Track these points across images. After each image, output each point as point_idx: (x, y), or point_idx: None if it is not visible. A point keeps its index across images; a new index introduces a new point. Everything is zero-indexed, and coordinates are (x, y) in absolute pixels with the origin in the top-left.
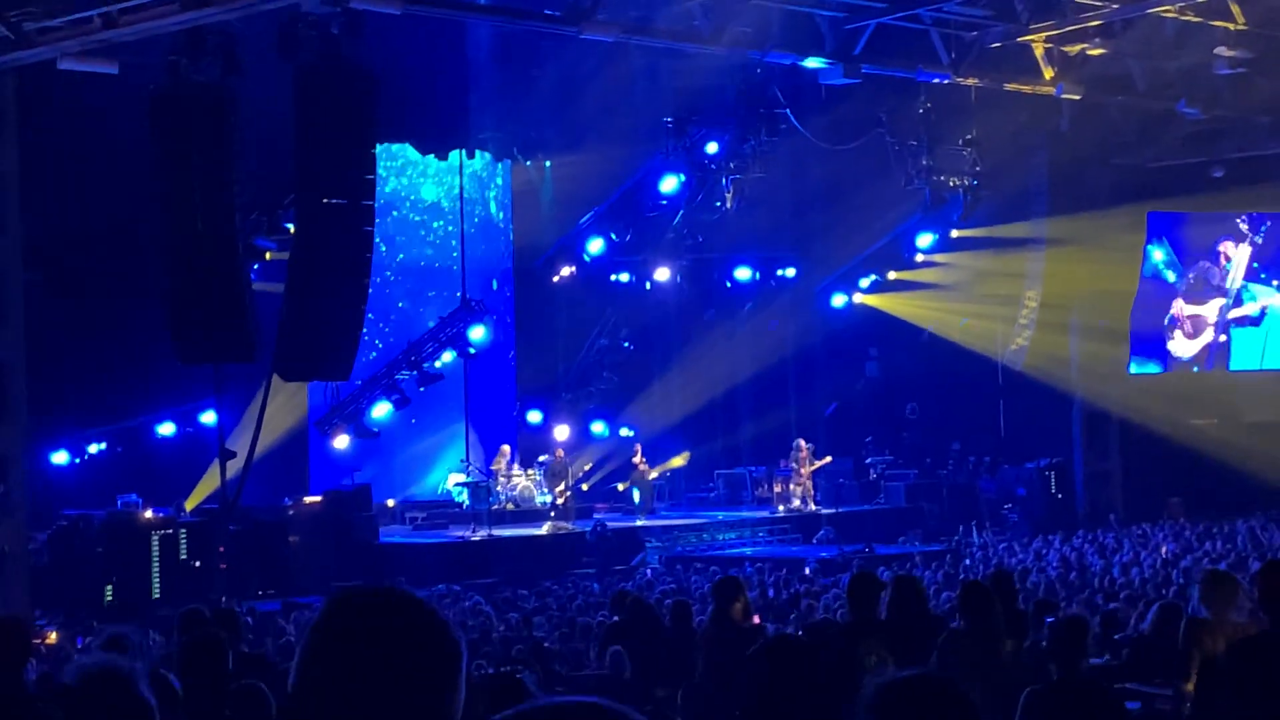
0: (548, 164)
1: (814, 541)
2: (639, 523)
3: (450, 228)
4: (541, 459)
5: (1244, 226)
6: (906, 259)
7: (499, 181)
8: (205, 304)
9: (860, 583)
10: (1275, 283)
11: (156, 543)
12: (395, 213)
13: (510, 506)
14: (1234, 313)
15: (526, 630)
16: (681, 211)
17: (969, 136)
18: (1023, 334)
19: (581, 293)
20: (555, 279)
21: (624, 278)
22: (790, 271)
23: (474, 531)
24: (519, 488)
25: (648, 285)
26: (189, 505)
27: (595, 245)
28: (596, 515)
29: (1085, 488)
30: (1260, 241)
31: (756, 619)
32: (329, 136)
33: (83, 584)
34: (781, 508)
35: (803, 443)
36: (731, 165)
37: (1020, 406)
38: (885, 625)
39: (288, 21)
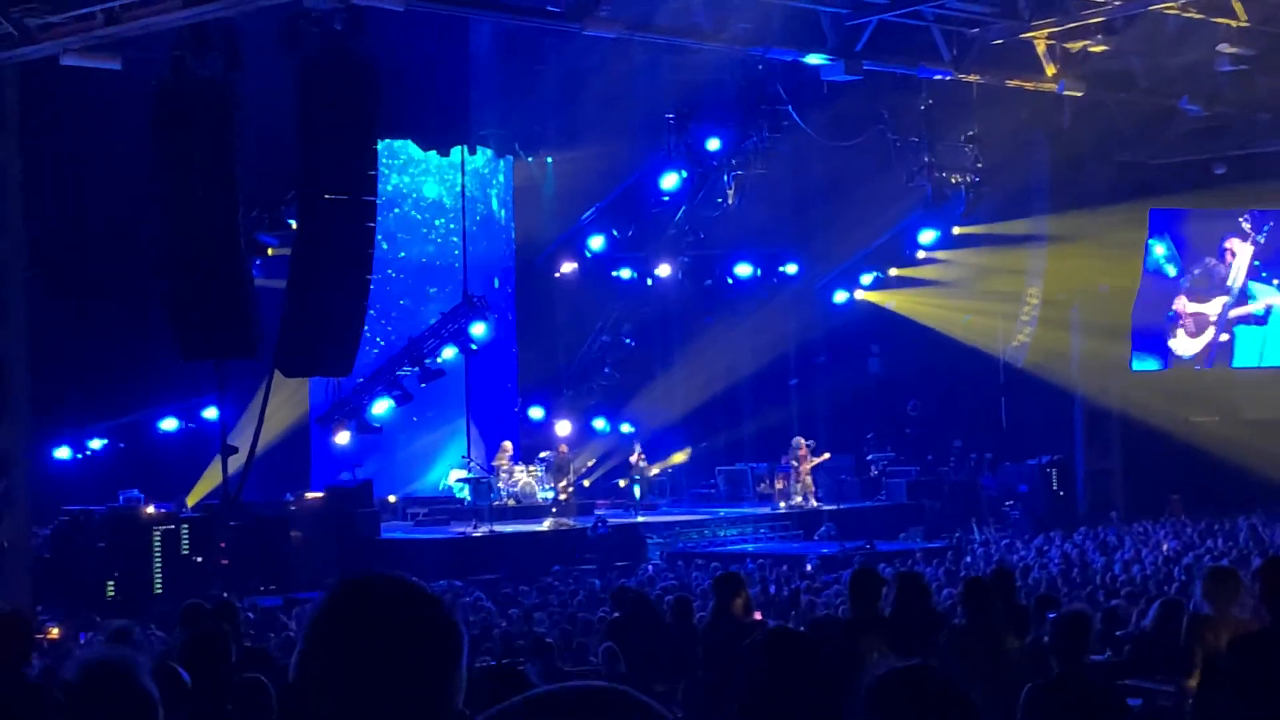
0: (549, 160)
1: (815, 538)
2: (639, 519)
3: (452, 225)
4: (543, 455)
5: (1246, 225)
6: (908, 255)
7: (500, 179)
8: (207, 300)
9: (861, 578)
10: (1276, 282)
11: (158, 538)
12: (397, 210)
13: (511, 502)
14: (1238, 311)
15: (528, 626)
16: (683, 208)
17: (970, 133)
18: (1024, 331)
19: (583, 289)
20: (557, 275)
21: (626, 274)
22: (792, 268)
23: (475, 527)
24: (520, 484)
25: (649, 281)
26: (191, 501)
27: (597, 242)
28: (598, 512)
29: (1087, 485)
30: (1262, 241)
31: (758, 615)
32: (331, 132)
33: (85, 579)
34: (783, 504)
35: (801, 440)
36: (733, 161)
37: (1022, 403)
38: (887, 621)
39: (290, 17)
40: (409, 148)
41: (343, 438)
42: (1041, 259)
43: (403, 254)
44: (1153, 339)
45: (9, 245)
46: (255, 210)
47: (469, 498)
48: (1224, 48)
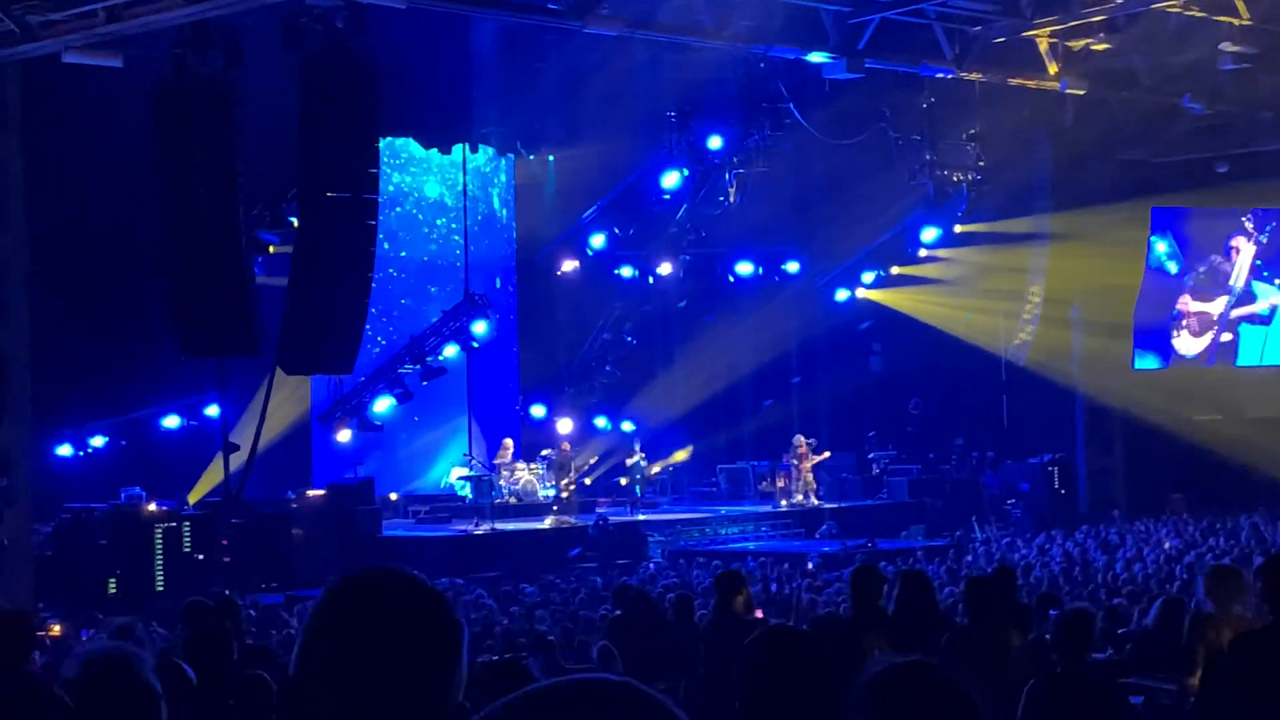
0: (551, 158)
1: (816, 536)
2: (640, 517)
3: (454, 225)
4: (545, 452)
5: (1249, 224)
6: (910, 254)
7: (502, 179)
8: (208, 297)
9: (862, 576)
10: (1278, 281)
11: (160, 535)
12: (398, 209)
13: (513, 500)
14: (1243, 310)
15: (529, 623)
16: (685, 206)
17: (972, 131)
18: (1026, 329)
19: (584, 287)
20: (558, 273)
21: (627, 272)
22: (794, 266)
23: (476, 525)
24: (521, 481)
25: (651, 280)
26: (192, 498)
27: (598, 240)
28: (599, 510)
29: (1088, 483)
30: (1265, 241)
31: (759, 613)
32: (332, 130)
33: (86, 576)
34: (784, 502)
35: (801, 438)
36: (735, 159)
37: (1023, 402)
38: (889, 619)
39: (291, 15)
40: (410, 146)
41: (344, 435)
42: (1043, 257)
43: (404, 253)
44: (1155, 337)
45: (11, 243)
46: (257, 208)
47: (470, 495)
48: (1226, 46)
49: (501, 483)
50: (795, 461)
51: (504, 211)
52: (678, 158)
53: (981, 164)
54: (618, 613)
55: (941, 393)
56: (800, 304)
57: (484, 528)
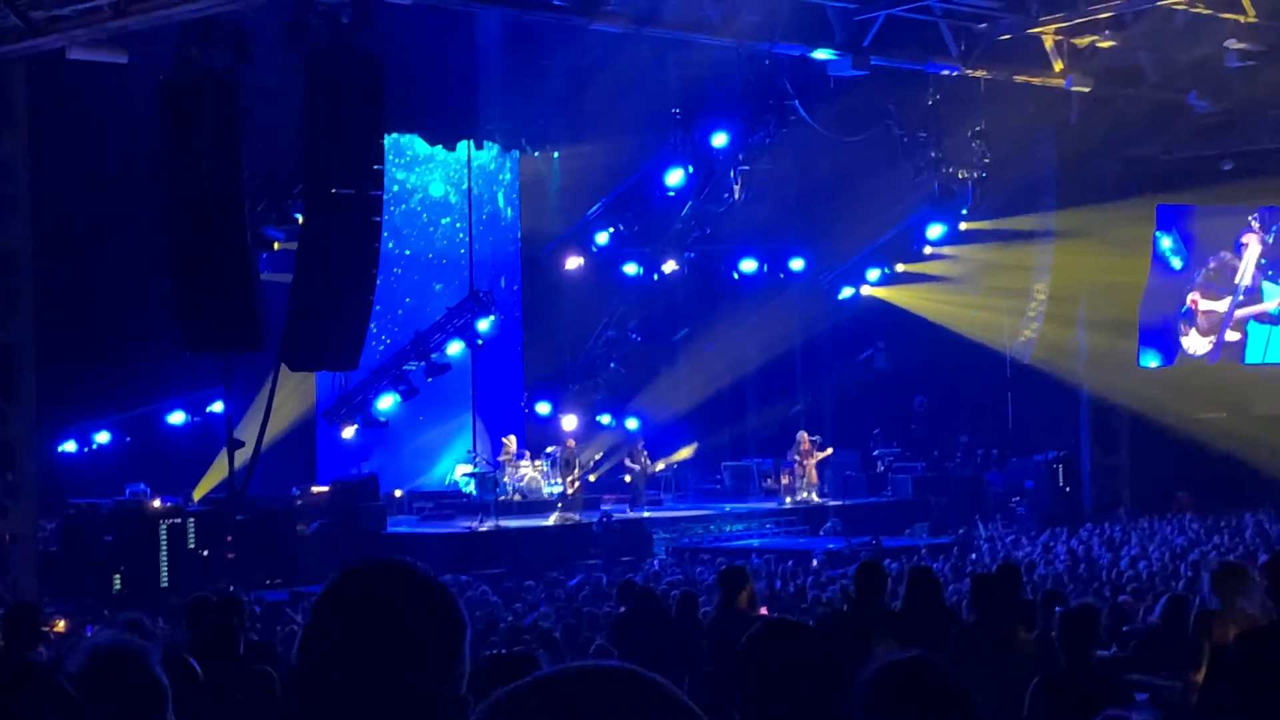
0: (556, 155)
1: (821, 533)
2: (645, 514)
3: (458, 225)
4: (549, 449)
5: (1255, 223)
6: (914, 251)
7: (507, 177)
8: (213, 293)
9: (866, 572)
10: None
11: (165, 532)
12: (403, 206)
13: (517, 497)
14: (1253, 309)
15: (533, 620)
16: (689, 203)
17: (977, 128)
18: (1031, 326)
19: (589, 284)
20: (563, 270)
21: (632, 269)
22: (798, 263)
23: (481, 522)
24: (526, 478)
25: (655, 277)
26: (197, 494)
27: (603, 237)
28: (603, 507)
29: (1093, 481)
30: (1270, 240)
31: (764, 610)
32: (337, 126)
33: (91, 572)
34: (788, 500)
35: (804, 434)
36: (740, 157)
37: (1028, 399)
38: (894, 615)
39: (297, 11)
40: (415, 144)
41: (349, 432)
42: (1048, 254)
43: (408, 251)
44: (1160, 335)
45: (17, 238)
46: (262, 204)
47: (475, 492)
48: (1232, 43)
49: (506, 479)
50: (798, 458)
51: (509, 210)
52: (682, 155)
53: (987, 161)
54: (622, 609)
55: (946, 390)
56: (805, 301)
57: (488, 524)
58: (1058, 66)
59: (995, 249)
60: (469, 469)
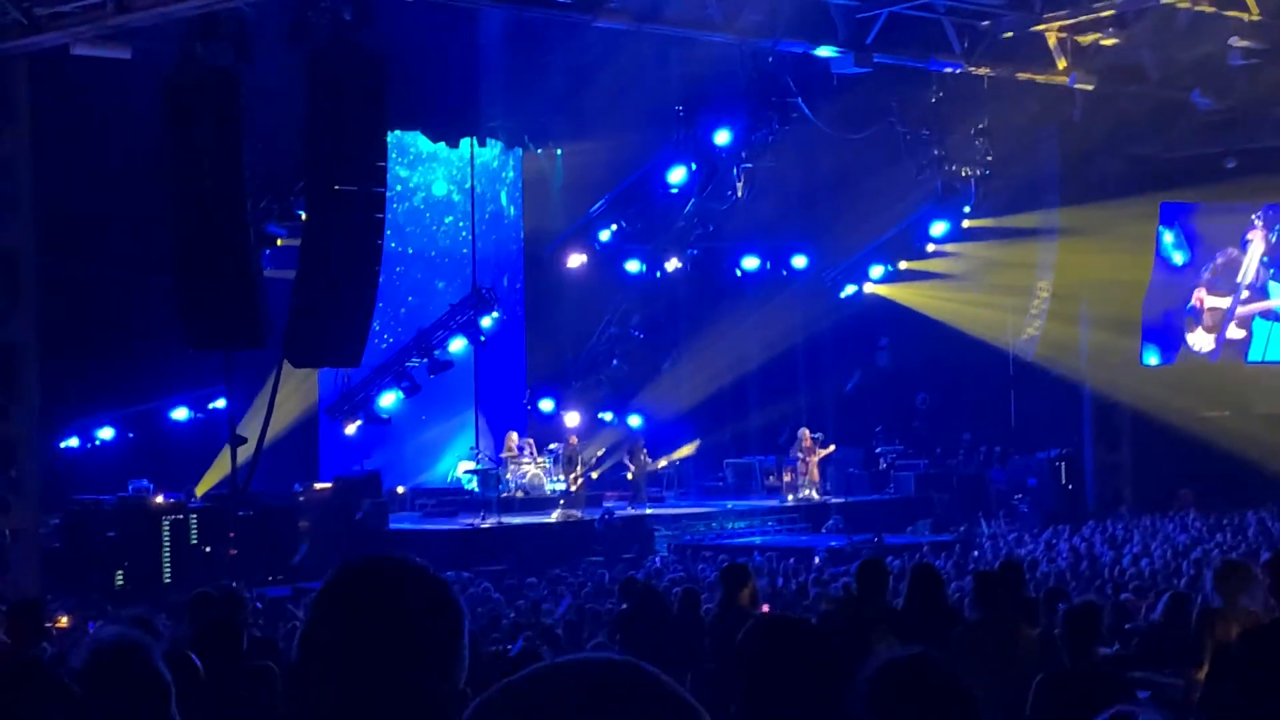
0: (559, 152)
1: (823, 531)
2: (647, 511)
3: (461, 224)
4: (552, 446)
5: (1259, 221)
6: (917, 249)
7: (510, 175)
8: (216, 290)
9: (868, 569)
10: None
11: (167, 528)
12: (406, 204)
13: (520, 494)
14: (1257, 305)
15: (535, 617)
16: (692, 200)
17: (980, 126)
18: (1033, 324)
19: (591, 281)
20: (565, 267)
21: (634, 266)
22: (801, 261)
23: (483, 519)
24: (528, 475)
25: (658, 274)
26: (200, 491)
27: (605, 234)
28: (606, 504)
29: (1096, 479)
30: (1274, 239)
31: (766, 608)
32: (340, 123)
33: (94, 568)
34: (791, 497)
35: (806, 432)
36: (742, 154)
37: (1031, 397)
38: (896, 613)
39: (299, 7)
40: (419, 143)
41: (351, 429)
42: (1051, 252)
43: (411, 250)
44: (1162, 332)
45: (19, 234)
46: (264, 201)
47: (477, 489)
48: (1235, 41)
49: (508, 476)
50: (800, 455)
51: (511, 209)
52: (685, 152)
53: (990, 159)
54: (624, 606)
55: (949, 387)
56: (807, 299)
57: (490, 521)
58: (1061, 64)
59: (998, 246)
60: (471, 466)
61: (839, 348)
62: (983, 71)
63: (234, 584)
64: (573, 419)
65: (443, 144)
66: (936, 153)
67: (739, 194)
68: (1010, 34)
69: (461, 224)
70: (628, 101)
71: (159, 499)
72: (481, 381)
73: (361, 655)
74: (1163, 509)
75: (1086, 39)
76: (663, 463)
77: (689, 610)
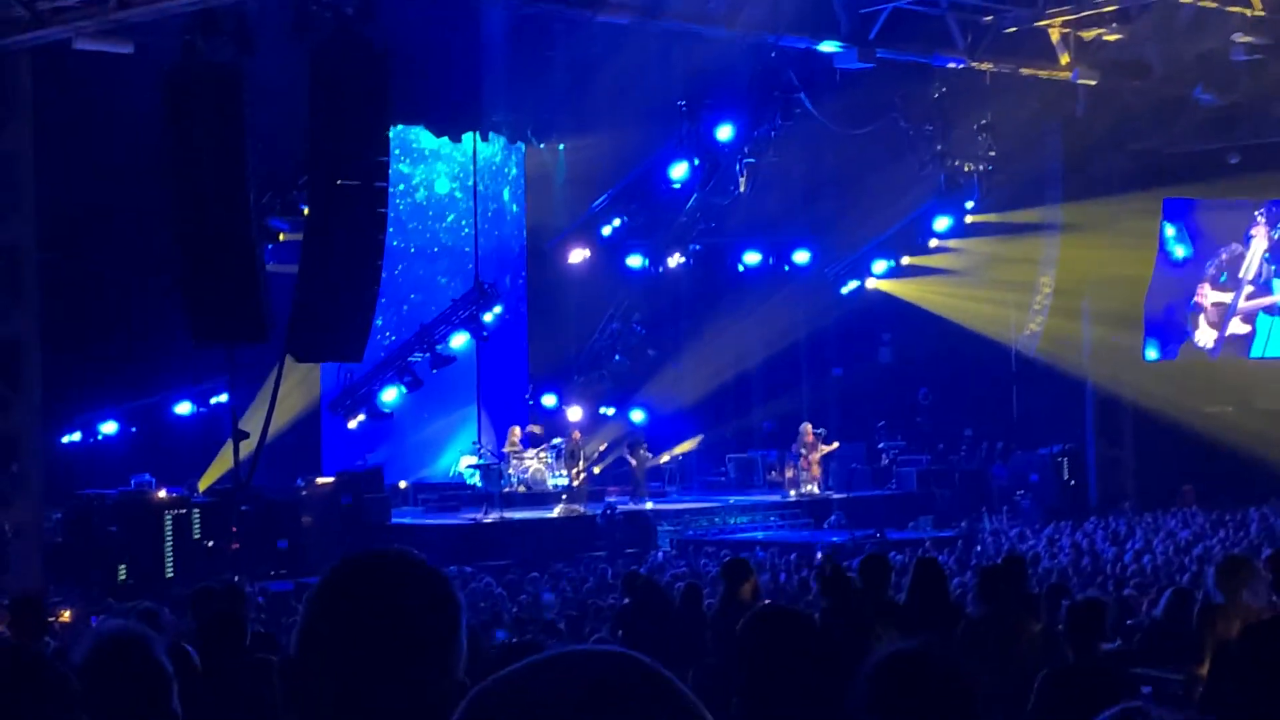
0: (561, 147)
1: (825, 526)
2: (649, 506)
3: (463, 222)
4: (555, 441)
5: (1261, 217)
6: (920, 244)
7: (512, 172)
8: (219, 285)
9: (871, 565)
10: None
11: (170, 522)
12: (409, 200)
13: (522, 489)
14: (1260, 301)
15: (537, 612)
16: (695, 196)
17: (984, 121)
18: (1036, 319)
19: (594, 276)
20: (568, 262)
21: (636, 261)
22: (803, 256)
23: (485, 513)
24: (531, 470)
25: (660, 270)
26: (202, 485)
27: (608, 229)
28: (608, 499)
29: (1098, 474)
30: (1277, 235)
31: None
32: (342, 117)
33: (97, 563)
34: (793, 492)
35: (808, 426)
36: (745, 149)
37: (1033, 392)
38: (899, 607)
39: (301, 2)
40: (422, 139)
41: (354, 423)
42: (1054, 248)
43: (413, 248)
44: (1163, 327)
45: (22, 229)
46: (267, 195)
47: (479, 484)
48: (1239, 37)
49: (510, 471)
50: (803, 451)
51: (514, 206)
52: (687, 147)
53: (993, 154)
54: (626, 601)
55: (951, 383)
56: (810, 294)
57: (493, 516)
58: (1064, 59)
59: (1001, 242)
60: (474, 460)
61: (841, 343)
62: (986, 67)
63: (236, 578)
64: (575, 414)
65: (445, 140)
66: (939, 148)
67: (741, 189)
68: (1013, 29)
69: (464, 221)
70: (630, 97)
71: (161, 493)
72: (484, 377)
73: (360, 649)
74: (1165, 505)
75: (1089, 34)
76: (664, 458)
77: (691, 605)
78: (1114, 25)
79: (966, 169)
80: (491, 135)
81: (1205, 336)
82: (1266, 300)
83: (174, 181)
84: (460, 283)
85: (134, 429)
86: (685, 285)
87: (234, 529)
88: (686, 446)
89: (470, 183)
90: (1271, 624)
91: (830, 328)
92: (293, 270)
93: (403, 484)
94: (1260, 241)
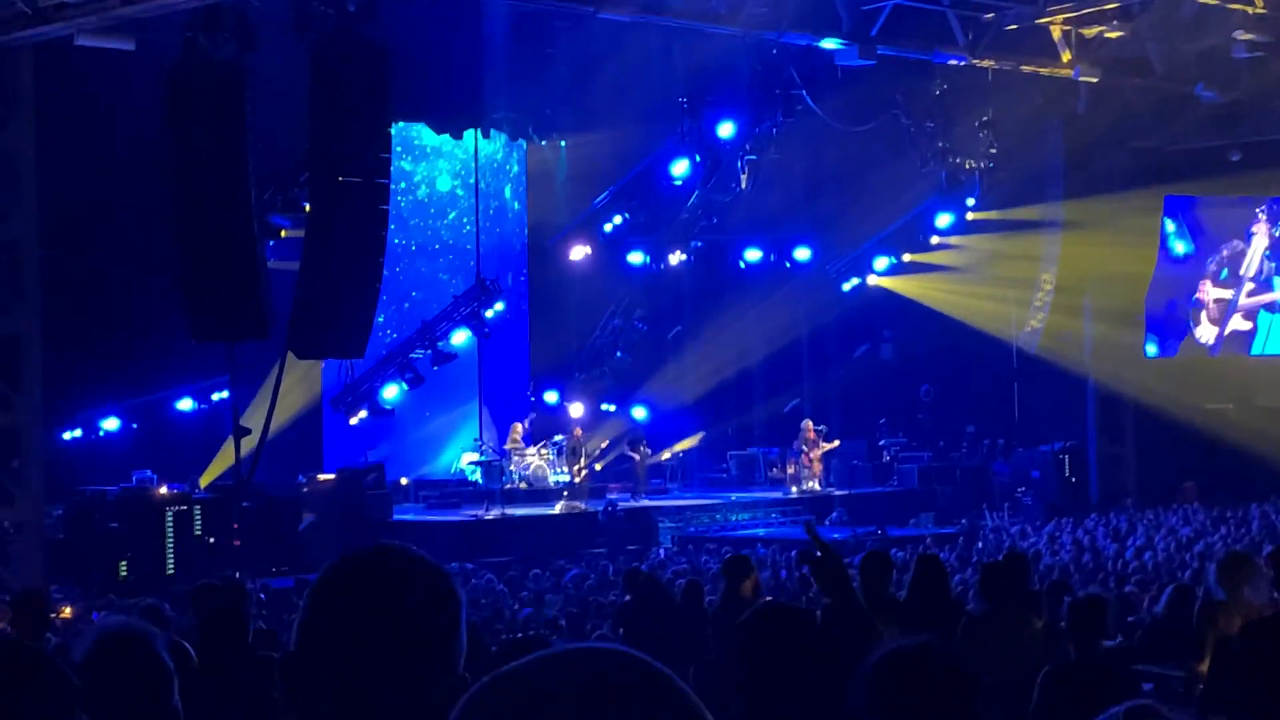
0: (563, 144)
1: (826, 523)
2: (649, 503)
3: (465, 220)
4: (556, 438)
5: (1262, 214)
6: (922, 241)
7: (514, 169)
8: (220, 281)
9: (872, 561)
10: None
11: (171, 519)
12: (410, 199)
13: (523, 485)
14: (1262, 298)
15: (539, 609)
16: (696, 193)
17: (985, 118)
18: (1037, 316)
19: (595, 273)
20: (569, 259)
21: (638, 258)
22: (804, 253)
23: (487, 510)
24: (532, 467)
25: (661, 266)
26: (204, 481)
27: (609, 226)
28: (609, 495)
29: (1099, 471)
30: (1278, 233)
31: (769, 600)
32: (344, 114)
33: (98, 559)
34: (794, 489)
35: (809, 423)
36: (747, 146)
37: (1035, 389)
38: (899, 604)
39: None
40: (424, 136)
41: (355, 420)
42: (1056, 245)
43: (414, 246)
44: (1163, 324)
45: (23, 225)
46: (268, 192)
47: (481, 480)
48: (1240, 34)
49: (512, 468)
50: (805, 448)
51: (515, 204)
52: (689, 144)
53: (994, 151)
54: (627, 598)
55: (952, 380)
56: (811, 291)
57: (494, 513)
58: (1065, 57)
59: (1002, 239)
60: (475, 457)
61: (843, 340)
62: (987, 64)
63: (236, 574)
64: (576, 410)
65: (447, 138)
66: (941, 145)
67: (743, 186)
68: (1015, 26)
69: (465, 219)
70: (632, 94)
71: (163, 490)
72: (486, 373)
73: (359, 646)
74: (1166, 502)
75: (1091, 31)
76: (666, 455)
77: (693, 602)
78: (1115, 22)
79: (968, 166)
80: (493, 132)
81: (1206, 333)
82: (1267, 297)
83: (175, 178)
84: (462, 280)
85: (135, 425)
86: (686, 282)
87: (235, 525)
88: (688, 443)
89: (472, 180)
90: (1273, 621)
91: (831, 325)
92: (294, 267)
93: (404, 481)
94: (1261, 239)
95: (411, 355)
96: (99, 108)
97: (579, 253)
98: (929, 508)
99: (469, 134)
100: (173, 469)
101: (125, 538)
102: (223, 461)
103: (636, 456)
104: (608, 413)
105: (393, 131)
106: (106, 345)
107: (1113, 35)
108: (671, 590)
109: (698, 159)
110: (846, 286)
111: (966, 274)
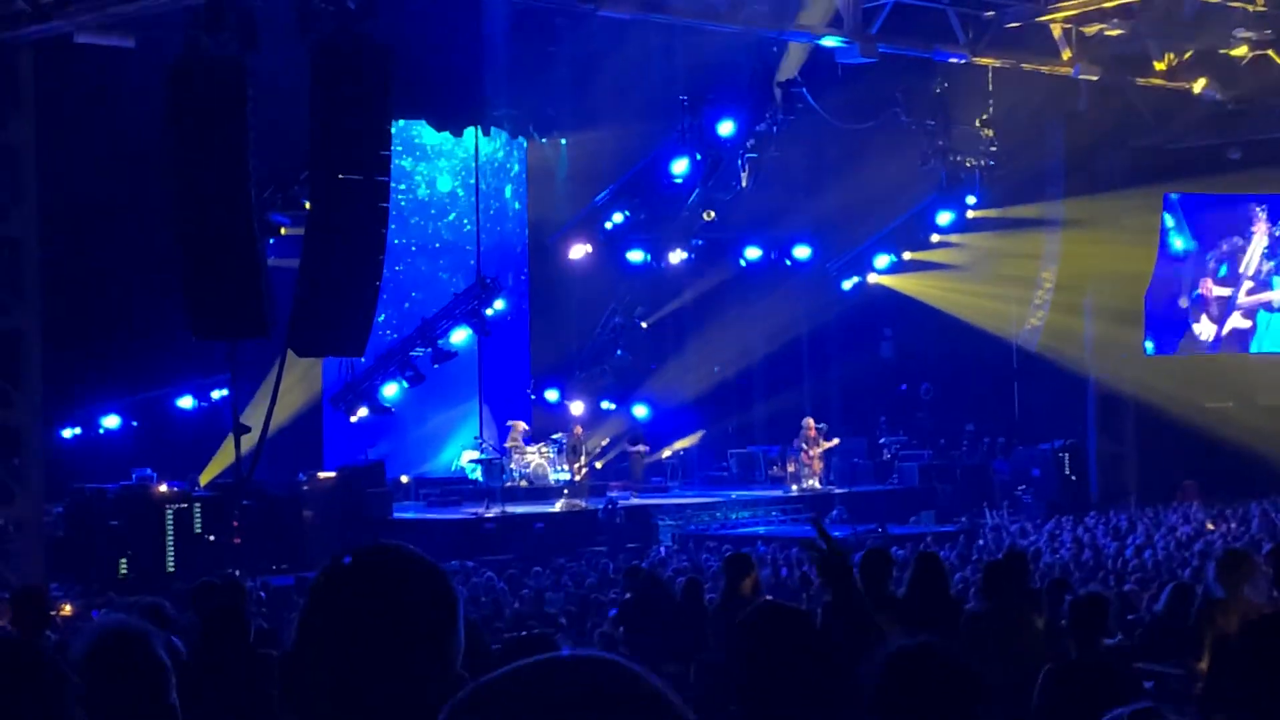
0: (563, 141)
1: (826, 521)
2: (650, 500)
3: (465, 220)
4: (556, 436)
5: (1263, 213)
6: (922, 239)
7: (515, 168)
8: (220, 279)
9: (872, 559)
10: None
11: (171, 516)
12: (411, 198)
13: (524, 484)
14: (1261, 296)
15: (539, 607)
16: (696, 191)
17: (985, 116)
18: (1037, 315)
19: (596, 271)
20: (569, 257)
21: (637, 256)
22: (804, 251)
23: (487, 508)
24: (532, 465)
25: (662, 264)
26: (204, 479)
27: (609, 224)
28: (610, 493)
29: (1099, 469)
30: (1277, 232)
31: (769, 598)
32: (344, 112)
33: (98, 557)
34: (794, 487)
35: (810, 421)
36: (747, 144)
37: (1035, 387)
38: (900, 602)
39: None
40: (424, 135)
41: (355, 418)
42: (1056, 243)
43: (414, 246)
44: (1162, 322)
45: (24, 223)
46: (269, 190)
47: (481, 479)
48: (1241, 33)
49: (512, 466)
50: (805, 446)
51: (516, 203)
52: (689, 142)
53: (994, 149)
54: (628, 596)
55: (953, 378)
56: (812, 289)
57: (494, 511)
58: (1066, 55)
59: (1002, 237)
60: (475, 455)
61: (843, 338)
62: (987, 62)
63: (236, 572)
64: (577, 408)
65: (447, 137)
66: (941, 143)
67: (743, 184)
68: (1015, 24)
69: (465, 218)
70: (632, 91)
71: (163, 488)
72: (486, 371)
73: (357, 644)
74: (1166, 500)
75: (1091, 29)
76: (666, 453)
77: (693, 600)
78: (1116, 20)
79: (968, 164)
80: (493, 130)
81: (1205, 330)
82: (1266, 296)
83: (176, 176)
84: (462, 279)
85: (135, 423)
86: (687, 280)
87: (235, 523)
88: (688, 441)
89: (472, 179)
90: (1272, 619)
91: (831, 323)
92: (294, 265)
93: (404, 479)
94: (1261, 238)
95: (412, 353)
96: (100, 105)
97: (579, 251)
98: (929, 506)
99: (469, 133)
100: (173, 467)
101: (125, 535)
102: (223, 459)
103: (636, 451)
104: (608, 411)
105: (393, 130)
106: (106, 343)
107: (1113, 33)
108: (672, 588)
109: (698, 157)
110: (847, 284)
111: (967, 272)
